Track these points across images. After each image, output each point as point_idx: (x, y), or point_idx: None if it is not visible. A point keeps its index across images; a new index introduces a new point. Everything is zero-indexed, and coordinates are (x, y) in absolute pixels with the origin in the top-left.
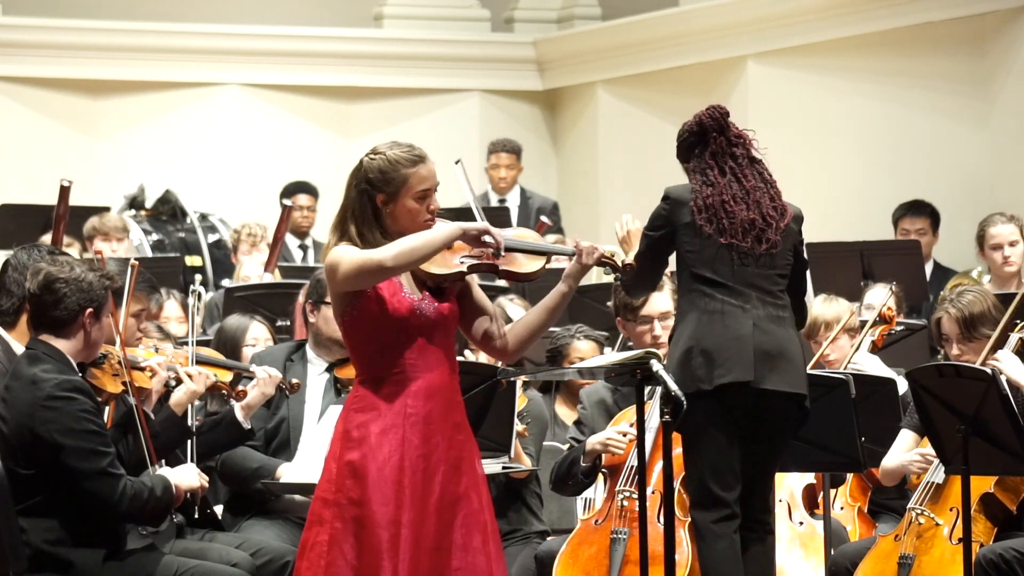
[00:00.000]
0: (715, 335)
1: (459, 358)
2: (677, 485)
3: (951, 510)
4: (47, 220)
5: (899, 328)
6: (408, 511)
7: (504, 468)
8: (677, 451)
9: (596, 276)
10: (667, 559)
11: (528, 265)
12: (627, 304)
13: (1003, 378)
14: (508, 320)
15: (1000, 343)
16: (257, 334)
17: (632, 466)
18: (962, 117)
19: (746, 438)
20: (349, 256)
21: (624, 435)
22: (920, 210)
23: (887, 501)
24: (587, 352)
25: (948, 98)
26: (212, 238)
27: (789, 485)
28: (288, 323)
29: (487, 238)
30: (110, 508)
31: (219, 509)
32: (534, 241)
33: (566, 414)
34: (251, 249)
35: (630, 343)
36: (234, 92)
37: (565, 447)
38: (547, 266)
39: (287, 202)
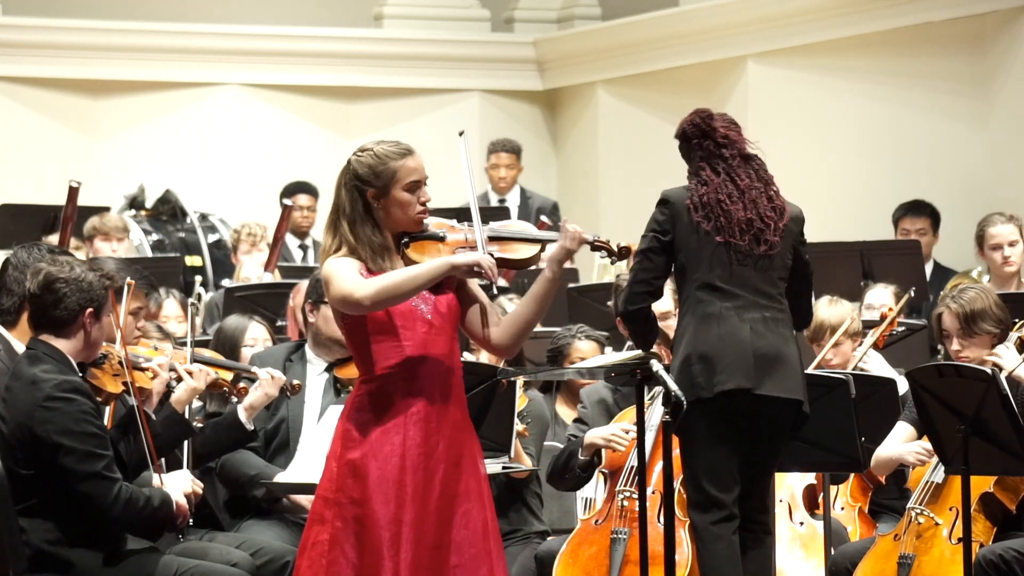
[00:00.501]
0: (711, 340)
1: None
2: (677, 485)
3: (951, 510)
4: (48, 220)
5: (900, 328)
6: (409, 510)
7: (504, 468)
8: (677, 451)
9: (597, 276)
10: (667, 559)
11: (522, 251)
12: None
13: (1003, 377)
14: None
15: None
16: (256, 334)
17: (632, 466)
18: (962, 117)
19: (744, 440)
20: (336, 283)
21: (627, 432)
22: (920, 210)
23: (887, 501)
24: (588, 352)
25: (948, 98)
26: (212, 238)
27: (789, 485)
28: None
29: (478, 270)
30: (103, 511)
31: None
32: (521, 229)
33: (567, 414)
34: (251, 249)
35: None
36: (234, 92)
37: None
38: (543, 254)
39: (287, 202)
